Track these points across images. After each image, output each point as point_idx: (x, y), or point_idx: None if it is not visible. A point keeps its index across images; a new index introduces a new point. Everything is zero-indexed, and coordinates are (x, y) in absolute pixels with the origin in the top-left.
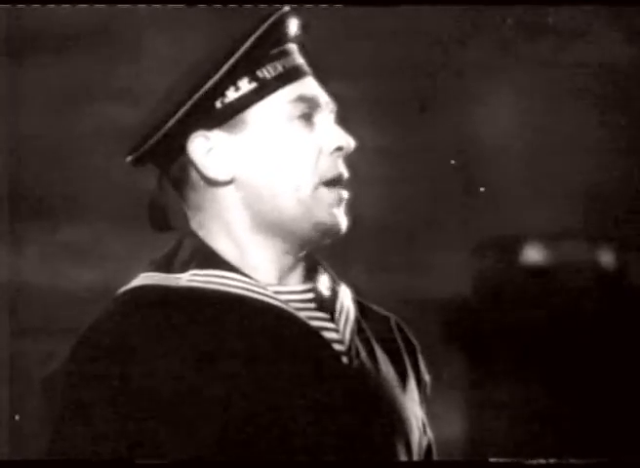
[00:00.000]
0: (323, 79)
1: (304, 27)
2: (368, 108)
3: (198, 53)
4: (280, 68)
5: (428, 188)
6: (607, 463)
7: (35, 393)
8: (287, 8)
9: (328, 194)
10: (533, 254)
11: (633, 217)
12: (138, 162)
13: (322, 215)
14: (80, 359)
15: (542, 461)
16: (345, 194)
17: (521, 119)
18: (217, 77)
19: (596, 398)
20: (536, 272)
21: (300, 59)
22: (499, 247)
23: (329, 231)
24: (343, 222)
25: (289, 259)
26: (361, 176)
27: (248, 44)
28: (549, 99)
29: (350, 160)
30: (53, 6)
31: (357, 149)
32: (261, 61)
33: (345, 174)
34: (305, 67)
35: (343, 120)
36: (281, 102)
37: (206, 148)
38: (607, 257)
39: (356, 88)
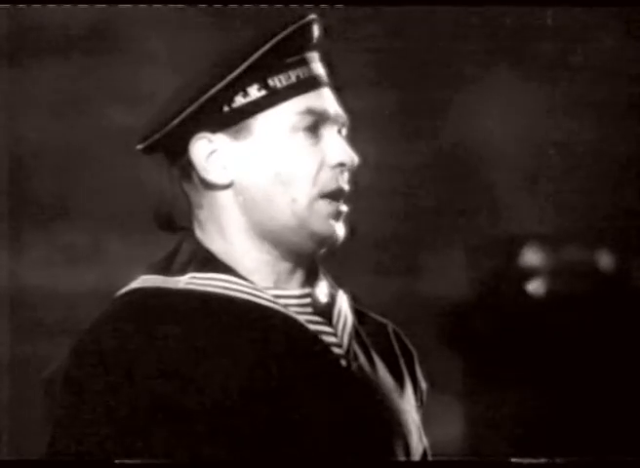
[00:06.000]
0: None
1: (328, 34)
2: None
3: (197, 53)
4: (293, 79)
5: (427, 191)
6: (603, 463)
7: (35, 394)
8: (313, 15)
9: (326, 206)
10: (531, 257)
11: (632, 219)
12: (146, 151)
13: (318, 226)
14: (79, 360)
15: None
16: (344, 207)
17: (520, 121)
18: (224, 82)
19: (593, 399)
20: (533, 275)
21: (319, 69)
22: (496, 250)
23: (324, 241)
24: (340, 233)
25: (286, 265)
26: (361, 184)
27: (262, 51)
28: (549, 101)
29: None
30: (53, 6)
31: (360, 160)
32: (275, 70)
33: (346, 188)
34: (323, 78)
35: (352, 133)
36: (288, 113)
37: (208, 151)
38: (606, 259)
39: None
